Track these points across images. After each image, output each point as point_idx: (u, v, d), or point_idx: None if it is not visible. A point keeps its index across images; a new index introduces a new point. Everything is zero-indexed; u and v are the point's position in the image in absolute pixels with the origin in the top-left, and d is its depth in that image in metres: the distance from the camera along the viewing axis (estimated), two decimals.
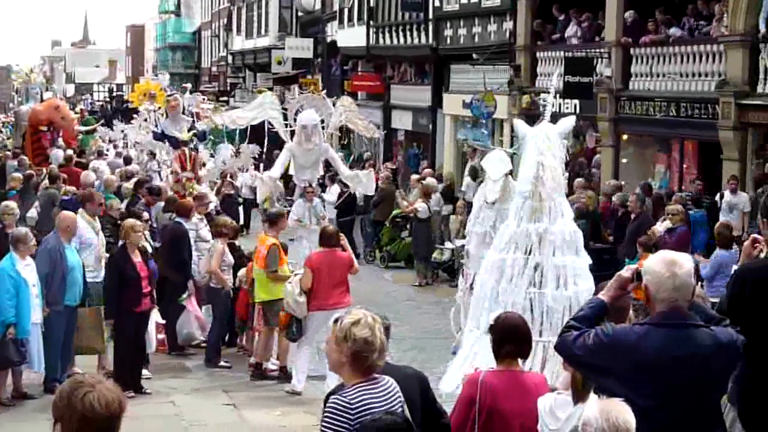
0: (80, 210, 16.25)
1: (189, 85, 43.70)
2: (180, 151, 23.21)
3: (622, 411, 5.37)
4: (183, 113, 23.91)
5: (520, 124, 13.78)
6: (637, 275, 6.25)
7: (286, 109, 21.37)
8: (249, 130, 23.10)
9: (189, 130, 23.49)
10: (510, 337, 7.62)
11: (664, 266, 6.07)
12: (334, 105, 21.42)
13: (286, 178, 21.90)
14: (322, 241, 15.29)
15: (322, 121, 20.69)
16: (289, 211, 19.20)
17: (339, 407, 6.36)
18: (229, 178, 29.58)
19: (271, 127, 21.72)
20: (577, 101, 26.72)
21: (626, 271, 6.37)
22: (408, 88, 40.65)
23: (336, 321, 6.57)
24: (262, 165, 30.07)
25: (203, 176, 25.40)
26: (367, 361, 6.42)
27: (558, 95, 26.10)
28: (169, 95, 27.83)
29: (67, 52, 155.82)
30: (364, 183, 21.60)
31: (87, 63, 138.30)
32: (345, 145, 41.33)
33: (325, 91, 24.91)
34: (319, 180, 23.18)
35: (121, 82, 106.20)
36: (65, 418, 5.04)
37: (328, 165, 22.56)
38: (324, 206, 21.73)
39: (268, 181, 20.64)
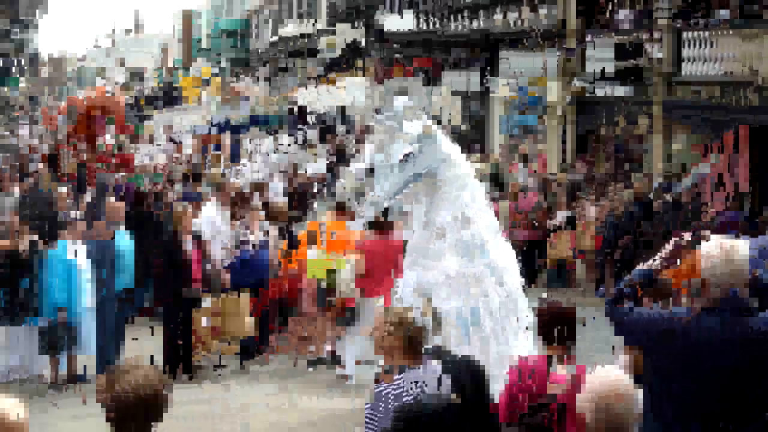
0: (212, 199, 16.25)
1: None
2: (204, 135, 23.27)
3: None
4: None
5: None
6: (682, 249, 6.25)
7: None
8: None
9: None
10: (558, 323, 7.61)
11: (720, 252, 6.05)
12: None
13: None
14: (376, 226, 15.27)
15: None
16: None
17: (387, 392, 6.40)
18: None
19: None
20: (628, 86, 26.57)
21: (681, 240, 6.38)
22: (458, 73, 40.56)
23: (386, 307, 6.62)
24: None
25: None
26: (417, 347, 6.47)
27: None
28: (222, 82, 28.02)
29: (120, 39, 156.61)
30: None
31: (139, 50, 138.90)
32: None
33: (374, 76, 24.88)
34: None
35: (173, 67, 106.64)
36: (108, 402, 5.11)
37: None
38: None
39: (356, 172, 20.10)
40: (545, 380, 7.50)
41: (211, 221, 15.79)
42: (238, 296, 15.28)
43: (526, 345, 11.29)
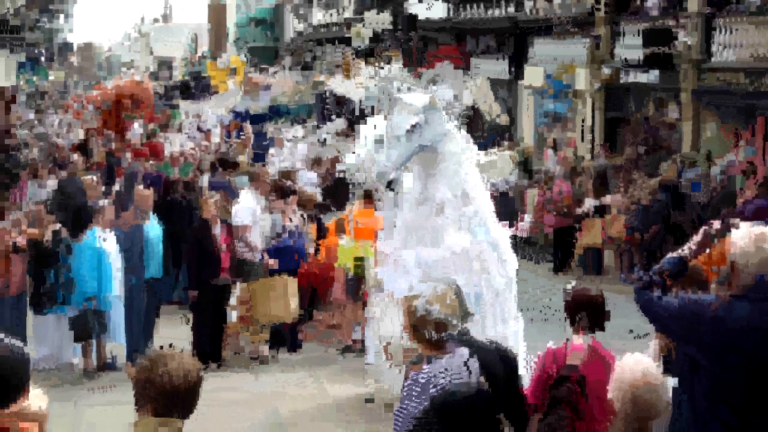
0: (249, 187, 16.26)
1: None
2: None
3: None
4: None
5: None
6: (713, 237, 6.24)
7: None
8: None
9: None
10: (585, 309, 7.60)
11: (751, 240, 6.02)
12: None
13: None
14: None
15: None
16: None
17: (418, 381, 6.40)
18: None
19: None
20: (657, 72, 26.44)
21: (711, 227, 6.37)
22: (487, 61, 40.46)
23: (410, 296, 6.62)
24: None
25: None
26: (443, 336, 6.46)
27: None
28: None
29: (150, 28, 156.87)
30: (499, 168, 20.25)
31: (169, 38, 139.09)
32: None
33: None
34: None
35: (201, 56, 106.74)
36: (144, 389, 5.13)
37: None
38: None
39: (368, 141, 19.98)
40: (565, 353, 7.51)
41: (251, 210, 15.75)
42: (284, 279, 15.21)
43: (518, 330, 11.34)
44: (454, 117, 14.62)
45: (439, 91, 19.56)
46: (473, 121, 24.22)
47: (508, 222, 25.13)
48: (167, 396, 5.10)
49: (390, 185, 11.79)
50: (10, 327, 14.17)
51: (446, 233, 11.22)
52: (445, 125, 11.60)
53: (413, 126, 11.24)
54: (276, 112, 43.18)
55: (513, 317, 11.38)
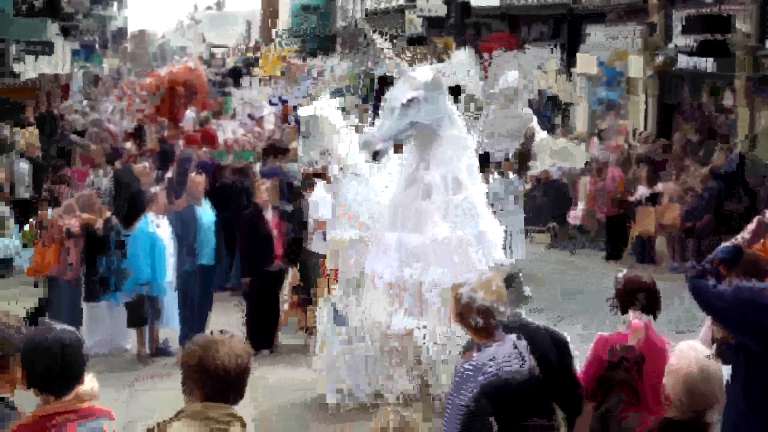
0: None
1: None
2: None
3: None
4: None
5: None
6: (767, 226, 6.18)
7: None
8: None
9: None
10: (639, 294, 7.57)
11: None
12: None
13: None
14: None
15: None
16: None
17: (466, 370, 6.40)
18: None
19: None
20: (712, 60, 26.20)
21: (764, 216, 6.32)
22: (540, 48, 40.26)
23: (457, 284, 6.61)
24: None
25: None
26: (491, 324, 6.45)
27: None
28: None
29: (203, 16, 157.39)
30: (574, 156, 19.66)
31: (222, 26, 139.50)
32: None
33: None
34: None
35: (254, 45, 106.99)
36: (194, 374, 5.16)
37: None
38: (522, 181, 19.03)
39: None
40: (620, 338, 7.46)
41: (329, 203, 15.74)
42: None
43: None
44: (523, 104, 14.28)
45: (508, 74, 18.87)
46: (526, 143, 23.74)
47: (560, 210, 25.06)
48: (217, 381, 5.12)
49: (376, 157, 11.37)
50: (66, 313, 14.36)
51: (430, 219, 10.80)
52: (448, 107, 11.15)
53: (410, 100, 10.82)
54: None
55: None
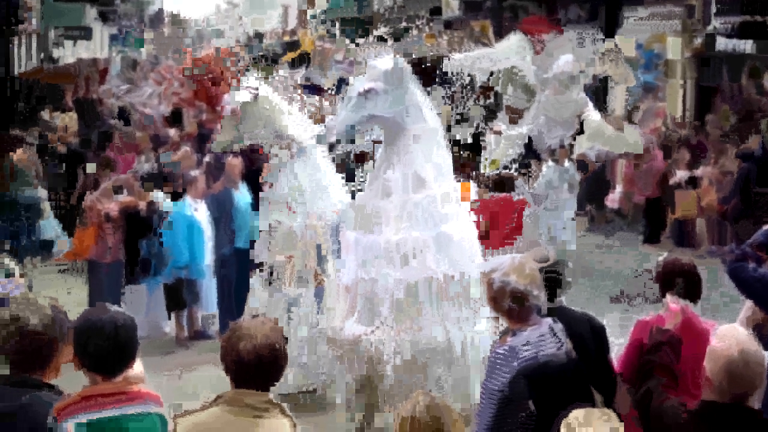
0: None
1: None
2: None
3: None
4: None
5: None
6: None
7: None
8: None
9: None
10: (680, 276, 7.53)
11: None
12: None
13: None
14: (497, 187, 15.14)
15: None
16: (522, 173, 17.15)
17: (500, 355, 6.40)
18: None
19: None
20: (751, 42, 26.02)
21: None
22: (579, 31, 40.04)
23: (489, 270, 6.60)
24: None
25: None
26: (525, 308, 6.44)
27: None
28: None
29: (239, 0, 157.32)
30: (632, 142, 19.29)
31: (260, 10, 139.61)
32: None
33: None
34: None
35: (292, 28, 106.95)
36: (228, 360, 5.19)
37: None
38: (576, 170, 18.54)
39: (515, 137, 18.37)
40: (658, 322, 7.43)
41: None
42: None
43: (474, 337, 9.99)
44: (578, 89, 13.37)
45: (564, 60, 18.33)
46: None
47: (598, 193, 24.81)
48: (251, 366, 5.14)
49: (332, 149, 10.91)
50: (105, 297, 14.44)
51: (384, 219, 10.13)
52: (416, 99, 10.37)
53: (367, 91, 10.09)
54: (345, 83, 42.79)
55: (467, 320, 10.05)
